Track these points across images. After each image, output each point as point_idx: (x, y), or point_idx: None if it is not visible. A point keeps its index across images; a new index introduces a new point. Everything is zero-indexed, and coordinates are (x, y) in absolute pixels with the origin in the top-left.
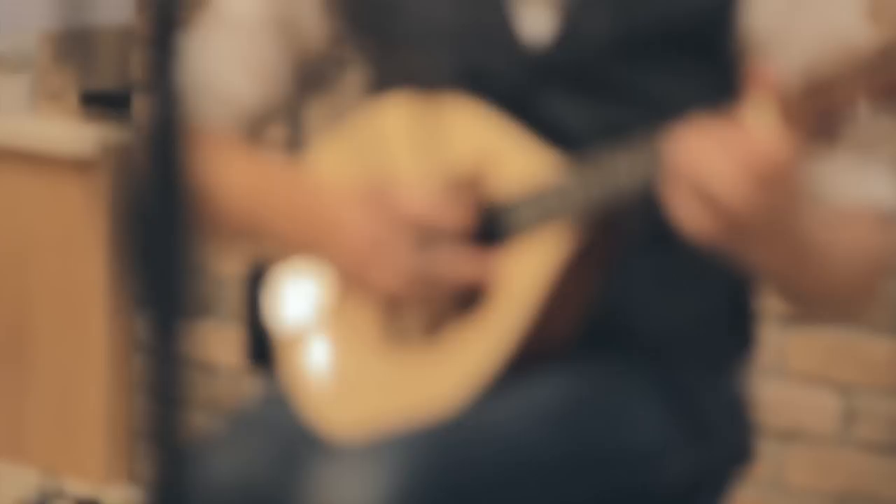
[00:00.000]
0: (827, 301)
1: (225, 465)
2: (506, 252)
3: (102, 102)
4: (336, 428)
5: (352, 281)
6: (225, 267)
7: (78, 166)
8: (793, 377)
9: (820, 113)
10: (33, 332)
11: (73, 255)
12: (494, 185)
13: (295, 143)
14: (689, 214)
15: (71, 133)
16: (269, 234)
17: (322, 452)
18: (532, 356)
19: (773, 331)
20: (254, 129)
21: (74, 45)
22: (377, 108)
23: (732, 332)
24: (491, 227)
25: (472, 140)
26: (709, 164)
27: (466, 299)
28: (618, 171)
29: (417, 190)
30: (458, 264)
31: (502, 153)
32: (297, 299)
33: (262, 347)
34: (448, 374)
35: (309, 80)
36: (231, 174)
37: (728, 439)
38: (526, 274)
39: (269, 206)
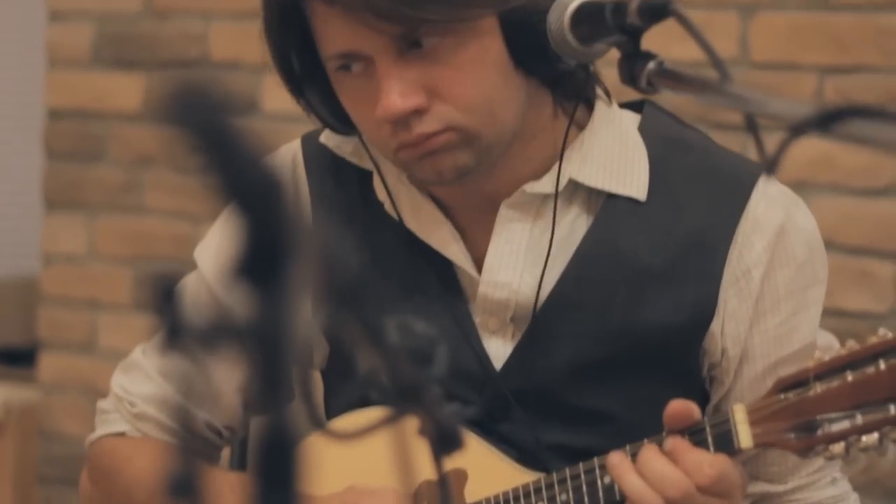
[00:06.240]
0: None
1: None
2: None
3: (5, 359)
4: None
5: None
6: None
7: None
8: None
9: (795, 423)
10: None
11: None
12: (461, 495)
13: None
14: None
15: None
16: None
17: None
18: None
19: None
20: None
21: None
22: (350, 420)
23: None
24: None
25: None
26: (652, 487)
27: None
28: (577, 487)
29: (389, 497)
30: None
31: (468, 466)
32: None
33: None
34: None
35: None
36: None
37: None
38: None
39: None
